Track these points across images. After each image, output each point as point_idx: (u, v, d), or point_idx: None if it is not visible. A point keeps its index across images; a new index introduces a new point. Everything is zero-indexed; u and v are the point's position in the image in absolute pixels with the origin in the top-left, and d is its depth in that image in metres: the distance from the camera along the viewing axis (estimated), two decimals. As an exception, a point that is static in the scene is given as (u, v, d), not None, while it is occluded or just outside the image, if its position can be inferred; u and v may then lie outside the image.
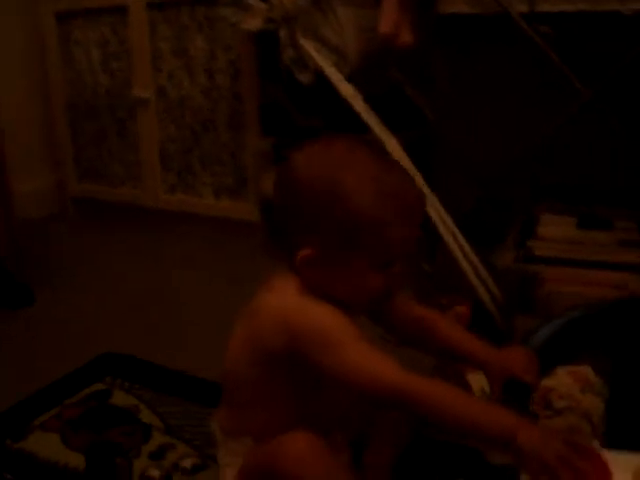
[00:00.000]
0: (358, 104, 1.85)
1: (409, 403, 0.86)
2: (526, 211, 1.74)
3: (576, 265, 1.54)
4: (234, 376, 1.03)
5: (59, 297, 2.09)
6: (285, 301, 0.95)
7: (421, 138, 2.16)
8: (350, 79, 1.91)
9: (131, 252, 2.51)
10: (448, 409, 0.86)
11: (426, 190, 1.79)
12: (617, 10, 1.61)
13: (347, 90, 1.86)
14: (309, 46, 1.87)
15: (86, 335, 1.82)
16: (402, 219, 0.90)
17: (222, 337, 1.71)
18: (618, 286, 1.45)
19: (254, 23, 1.92)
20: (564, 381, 1.35)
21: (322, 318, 0.91)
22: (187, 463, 1.24)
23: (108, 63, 2.71)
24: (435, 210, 1.78)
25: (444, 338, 1.09)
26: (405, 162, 1.80)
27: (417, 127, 2.20)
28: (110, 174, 2.84)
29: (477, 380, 1.29)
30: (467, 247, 1.76)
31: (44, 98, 2.94)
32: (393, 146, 1.82)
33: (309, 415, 1.01)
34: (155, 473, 1.22)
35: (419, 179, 1.77)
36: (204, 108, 2.49)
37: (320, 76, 1.91)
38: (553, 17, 1.69)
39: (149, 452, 1.28)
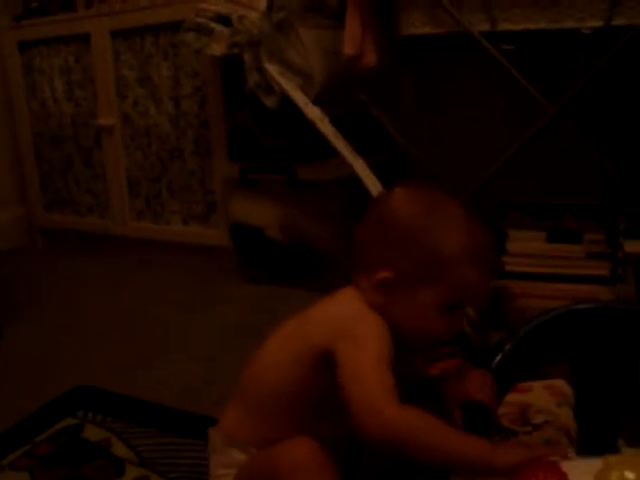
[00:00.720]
0: (325, 127, 1.85)
1: (388, 429, 0.85)
2: (495, 228, 1.74)
3: (546, 279, 1.55)
4: (257, 380, 1.04)
5: (27, 330, 2.05)
6: (345, 308, 1.00)
7: (390, 160, 2.17)
8: (316, 102, 1.92)
9: (100, 281, 2.47)
10: (422, 443, 0.85)
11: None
12: (577, 28, 1.64)
13: (313, 113, 1.86)
14: (274, 70, 1.87)
15: (56, 368, 1.78)
16: (479, 264, 0.95)
17: (198, 366, 1.71)
18: (588, 299, 1.45)
19: (218, 48, 1.93)
20: (541, 396, 1.36)
21: (370, 325, 0.95)
22: (162, 496, 1.22)
23: (72, 91, 2.69)
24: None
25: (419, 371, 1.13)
26: (374, 184, 1.80)
27: (386, 149, 2.21)
28: (77, 203, 2.82)
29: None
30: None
31: (9, 128, 2.91)
32: (361, 168, 1.82)
33: (316, 430, 1.00)
34: (130, 508, 1.19)
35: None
36: (171, 135, 2.49)
37: (286, 99, 1.91)
38: (515, 35, 1.71)
39: (123, 487, 1.25)
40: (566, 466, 0.80)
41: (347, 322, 0.96)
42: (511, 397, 1.38)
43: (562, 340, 1.17)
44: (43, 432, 1.45)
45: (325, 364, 0.95)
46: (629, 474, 0.79)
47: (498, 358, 1.16)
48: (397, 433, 0.85)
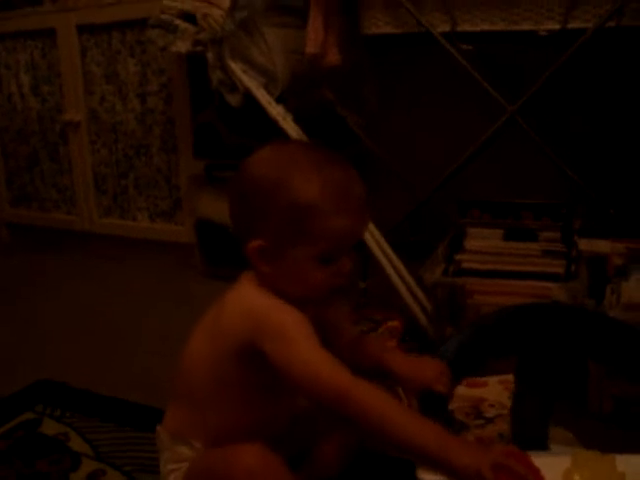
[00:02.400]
0: (288, 125, 1.87)
1: (349, 408, 0.87)
2: (454, 225, 1.77)
3: (502, 276, 1.57)
4: (190, 376, 1.04)
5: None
6: (247, 296, 0.99)
7: (353, 156, 2.19)
8: (280, 100, 1.93)
9: (65, 277, 2.47)
10: (385, 423, 0.85)
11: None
12: (534, 30, 1.67)
13: (276, 111, 1.88)
14: (237, 68, 1.88)
15: (17, 363, 1.78)
16: (344, 209, 0.92)
17: (158, 360, 1.71)
18: (542, 295, 1.48)
19: (182, 45, 1.93)
20: (495, 390, 1.40)
21: (283, 315, 0.94)
22: (117, 489, 1.23)
23: (38, 87, 2.68)
24: (367, 228, 1.81)
25: (372, 359, 1.11)
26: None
27: (349, 146, 2.23)
28: (43, 198, 2.80)
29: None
30: (398, 263, 1.79)
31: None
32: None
33: (258, 425, 1.02)
34: (84, 501, 1.20)
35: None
36: (137, 132, 2.49)
37: (250, 98, 1.93)
38: (474, 36, 1.74)
39: (78, 480, 1.26)
40: (537, 462, 0.81)
41: (261, 318, 0.95)
42: (465, 391, 1.41)
43: (511, 336, 1.19)
44: (1, 427, 1.45)
45: (249, 357, 0.95)
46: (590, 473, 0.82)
47: (450, 350, 1.17)
48: (361, 409, 0.86)
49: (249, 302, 0.98)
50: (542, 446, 1.07)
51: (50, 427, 1.45)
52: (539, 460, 0.81)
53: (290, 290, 0.97)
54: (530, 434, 1.11)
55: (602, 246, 1.56)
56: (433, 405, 0.99)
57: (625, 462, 0.83)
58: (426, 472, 0.83)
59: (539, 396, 1.13)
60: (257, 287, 0.98)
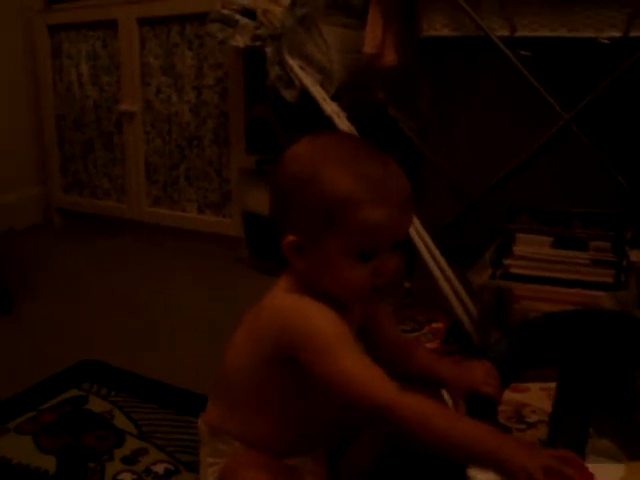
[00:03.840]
0: (342, 122, 1.88)
1: (396, 419, 0.85)
2: (504, 231, 1.76)
3: (550, 283, 1.56)
4: (230, 375, 1.03)
5: (39, 306, 2.09)
6: (281, 300, 0.96)
7: (405, 158, 2.20)
8: (335, 98, 1.95)
9: (113, 263, 2.52)
10: (434, 429, 0.83)
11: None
12: (594, 37, 1.65)
13: (331, 108, 1.89)
14: (294, 64, 1.90)
15: (65, 343, 1.82)
16: (380, 201, 0.88)
17: (201, 348, 1.74)
18: (591, 304, 1.47)
19: (241, 40, 1.96)
20: (537, 396, 1.39)
21: (317, 321, 0.91)
22: (159, 468, 1.25)
23: (97, 77, 2.74)
24: (414, 228, 1.81)
25: (419, 365, 1.09)
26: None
27: (401, 147, 2.23)
28: (95, 186, 2.86)
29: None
30: (445, 265, 1.79)
31: (34, 110, 2.97)
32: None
33: (297, 428, 1.02)
34: (127, 477, 1.22)
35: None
36: (191, 124, 2.52)
37: (305, 94, 1.94)
38: (533, 42, 1.73)
39: (122, 456, 1.28)
40: (591, 468, 0.79)
41: (292, 324, 0.92)
42: (508, 395, 1.40)
43: (559, 341, 1.17)
44: (49, 401, 1.49)
45: (286, 363, 0.93)
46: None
47: (499, 353, 1.16)
48: (406, 420, 0.84)
49: (281, 306, 0.96)
50: (580, 455, 1.06)
51: (96, 404, 1.48)
52: (594, 468, 0.80)
53: (327, 290, 0.93)
54: (567, 443, 1.10)
55: (654, 257, 1.55)
56: (481, 408, 0.98)
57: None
58: (477, 470, 0.82)
59: (579, 405, 1.11)
60: (292, 288, 0.96)
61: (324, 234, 0.90)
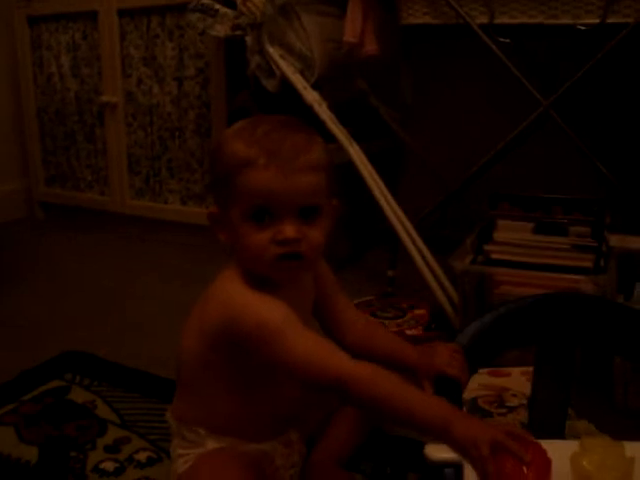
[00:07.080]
0: (323, 111, 1.88)
1: (351, 390, 0.87)
2: (484, 217, 1.77)
3: (531, 268, 1.57)
4: (187, 365, 1.04)
5: (23, 298, 2.08)
6: (226, 294, 0.97)
7: (386, 147, 2.20)
8: (315, 87, 1.95)
9: (97, 256, 2.51)
10: (386, 398, 0.86)
11: (389, 197, 1.83)
12: (572, 24, 1.66)
13: (311, 97, 1.89)
14: (274, 53, 1.90)
15: (48, 334, 1.82)
16: (267, 162, 0.90)
17: (180, 337, 1.74)
18: (570, 288, 1.48)
19: (222, 30, 1.95)
20: (518, 381, 1.40)
21: (260, 315, 0.91)
22: (142, 456, 1.25)
23: (78, 68, 2.72)
24: (396, 216, 1.82)
25: (383, 349, 1.11)
26: (367, 170, 1.83)
27: (383, 136, 2.24)
28: (78, 178, 2.85)
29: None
30: (427, 252, 1.80)
31: (14, 102, 2.95)
32: (355, 154, 1.86)
33: (259, 409, 1.03)
34: (109, 466, 1.22)
35: (379, 184, 1.81)
36: (172, 115, 2.51)
37: (286, 83, 1.94)
38: (512, 29, 1.74)
39: (104, 445, 1.28)
40: (545, 445, 0.80)
41: (235, 316, 0.93)
42: (489, 380, 1.42)
43: (532, 325, 1.17)
44: (30, 392, 1.48)
45: (236, 351, 0.94)
46: (598, 458, 0.81)
47: (467, 336, 1.15)
48: (358, 386, 0.86)
49: (226, 301, 0.96)
50: (559, 436, 1.07)
51: (78, 395, 1.47)
52: (548, 445, 0.81)
53: (246, 265, 0.96)
54: (546, 423, 1.11)
55: (633, 242, 1.56)
56: (447, 389, 0.98)
57: (634, 448, 0.82)
58: (433, 450, 0.83)
59: (556, 386, 1.12)
60: (236, 271, 0.97)
61: (228, 201, 0.94)
